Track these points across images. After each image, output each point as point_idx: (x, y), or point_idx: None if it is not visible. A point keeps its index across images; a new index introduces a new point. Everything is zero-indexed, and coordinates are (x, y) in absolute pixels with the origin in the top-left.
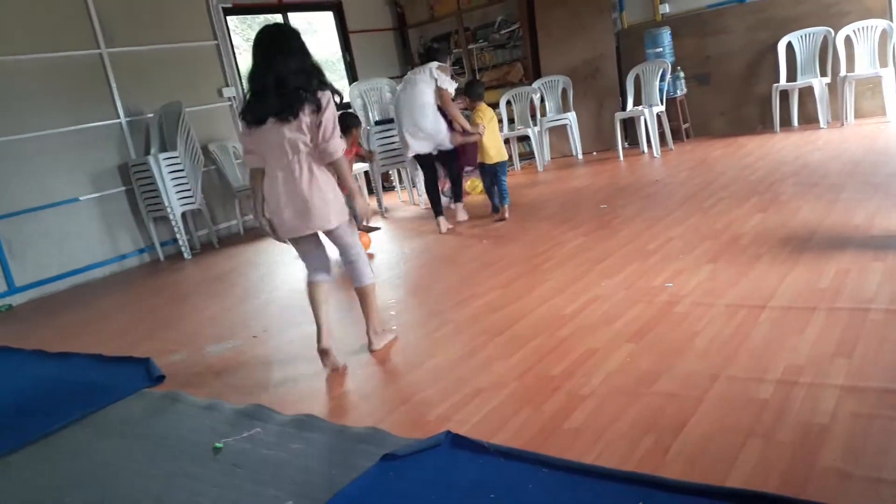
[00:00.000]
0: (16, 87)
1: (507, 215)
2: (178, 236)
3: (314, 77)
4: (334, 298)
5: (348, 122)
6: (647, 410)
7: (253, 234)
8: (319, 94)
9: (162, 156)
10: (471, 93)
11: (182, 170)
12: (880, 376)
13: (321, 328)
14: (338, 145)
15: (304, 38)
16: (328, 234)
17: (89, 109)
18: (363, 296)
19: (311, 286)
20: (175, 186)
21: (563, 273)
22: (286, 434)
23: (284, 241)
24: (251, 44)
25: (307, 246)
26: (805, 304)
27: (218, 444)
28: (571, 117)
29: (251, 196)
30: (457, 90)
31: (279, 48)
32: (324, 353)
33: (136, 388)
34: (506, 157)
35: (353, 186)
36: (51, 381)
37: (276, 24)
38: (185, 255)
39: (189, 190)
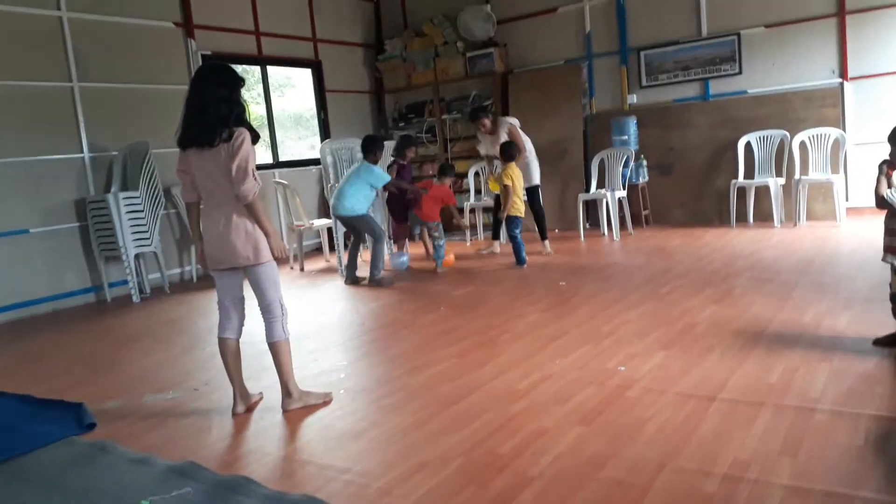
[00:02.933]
0: None
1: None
2: (129, 278)
3: (235, 109)
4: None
5: (403, 143)
6: (594, 496)
7: (205, 283)
8: (235, 130)
9: (122, 195)
10: (504, 155)
11: (141, 211)
12: (824, 479)
13: (235, 391)
14: (249, 189)
15: (238, 87)
16: (248, 274)
17: (53, 141)
18: (274, 353)
19: (220, 342)
20: (132, 227)
21: (518, 347)
22: (218, 496)
23: (210, 272)
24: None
25: (227, 284)
26: (754, 398)
27: (144, 502)
28: None
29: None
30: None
31: (210, 78)
32: (235, 407)
33: (64, 435)
34: (521, 214)
35: (268, 228)
36: None
37: (215, 62)
38: (134, 299)
39: (146, 232)
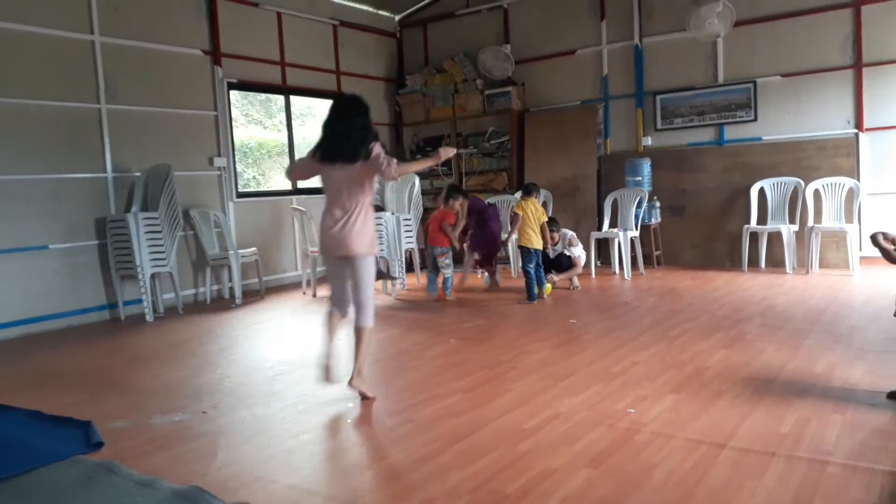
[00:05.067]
0: (9, 130)
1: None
2: (143, 297)
3: (372, 134)
4: None
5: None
6: None
7: (218, 305)
8: (371, 145)
9: (142, 215)
10: (523, 190)
11: (159, 231)
12: None
13: (328, 350)
14: (391, 173)
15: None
16: (353, 264)
17: (78, 160)
18: (358, 337)
19: (328, 314)
20: (149, 247)
21: (526, 385)
22: None
23: (325, 260)
24: (245, 114)
25: (338, 271)
26: (764, 448)
27: None
28: None
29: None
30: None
31: (351, 110)
32: (325, 367)
33: (71, 454)
34: (533, 246)
35: (424, 163)
36: None
37: (352, 94)
38: (148, 318)
39: (163, 252)
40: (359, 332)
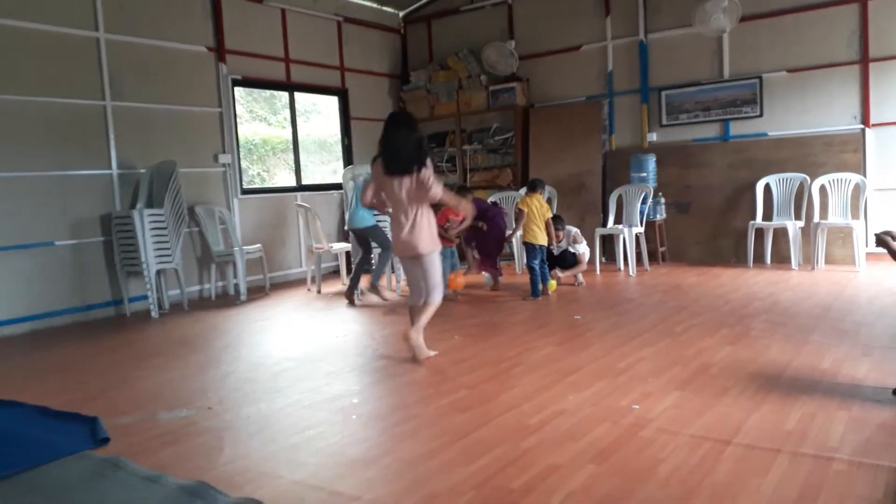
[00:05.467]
0: (15, 127)
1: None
2: (149, 294)
3: (423, 149)
4: None
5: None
6: None
7: (223, 302)
8: (426, 160)
9: (147, 211)
10: (528, 186)
11: (165, 228)
12: None
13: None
14: (437, 191)
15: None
16: (421, 261)
17: (83, 157)
18: (426, 307)
19: (411, 308)
20: (154, 244)
21: (531, 381)
22: None
23: (401, 258)
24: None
25: (412, 268)
26: (769, 444)
27: None
28: None
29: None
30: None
31: (404, 126)
32: (407, 338)
33: (78, 449)
34: (538, 242)
35: (458, 202)
36: None
37: (404, 112)
38: (153, 314)
39: (168, 248)
40: (427, 304)
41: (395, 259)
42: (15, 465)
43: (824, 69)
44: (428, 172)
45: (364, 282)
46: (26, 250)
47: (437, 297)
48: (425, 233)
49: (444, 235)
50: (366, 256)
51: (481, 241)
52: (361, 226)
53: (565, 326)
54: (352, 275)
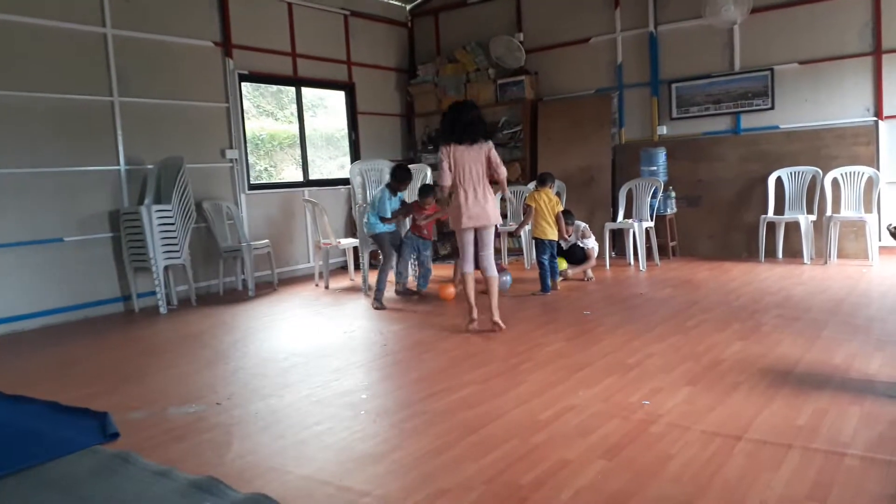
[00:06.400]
0: (23, 123)
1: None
2: (157, 289)
3: (484, 126)
4: None
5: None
6: None
7: (231, 297)
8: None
9: (155, 207)
10: (537, 180)
11: (172, 223)
12: None
13: (473, 306)
14: (503, 172)
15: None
16: (484, 231)
17: (91, 153)
18: (488, 283)
19: (465, 276)
20: (162, 239)
21: (541, 376)
22: None
23: (461, 229)
24: (254, 106)
25: (469, 238)
26: (781, 440)
27: None
28: None
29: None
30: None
31: (472, 108)
32: (472, 321)
33: (88, 444)
34: (547, 237)
35: (507, 195)
36: (0, 425)
37: (467, 100)
38: (161, 310)
39: (176, 244)
40: (489, 280)
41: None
42: (26, 461)
43: (836, 61)
44: (496, 156)
45: (391, 287)
46: (36, 246)
47: (494, 270)
48: (492, 204)
49: (416, 222)
50: (386, 262)
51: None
52: (367, 231)
53: (575, 322)
54: (376, 285)
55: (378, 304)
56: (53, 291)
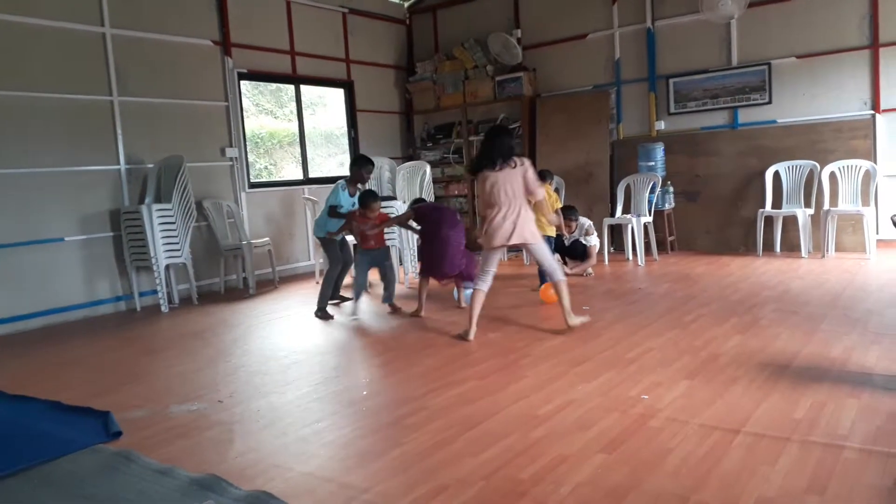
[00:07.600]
0: (23, 123)
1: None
2: (158, 288)
3: (515, 151)
4: None
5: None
6: None
7: (232, 296)
8: (523, 160)
9: (155, 206)
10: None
11: (173, 222)
12: None
13: (473, 327)
14: (539, 192)
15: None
16: (530, 247)
17: (91, 153)
18: (556, 288)
19: (477, 292)
20: (163, 238)
21: (540, 371)
22: None
23: (492, 247)
24: (254, 107)
25: (495, 258)
26: (779, 433)
27: None
28: None
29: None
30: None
31: (505, 133)
32: (465, 338)
33: (91, 443)
34: (545, 233)
35: (551, 217)
36: (2, 424)
37: (503, 126)
38: (163, 308)
39: (177, 243)
40: (557, 285)
41: (392, 259)
42: (28, 459)
43: (834, 55)
44: (529, 171)
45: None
46: (37, 246)
47: (558, 275)
48: (531, 224)
49: (363, 233)
50: (344, 268)
51: (424, 246)
52: (315, 235)
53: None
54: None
55: (321, 312)
56: (54, 291)
